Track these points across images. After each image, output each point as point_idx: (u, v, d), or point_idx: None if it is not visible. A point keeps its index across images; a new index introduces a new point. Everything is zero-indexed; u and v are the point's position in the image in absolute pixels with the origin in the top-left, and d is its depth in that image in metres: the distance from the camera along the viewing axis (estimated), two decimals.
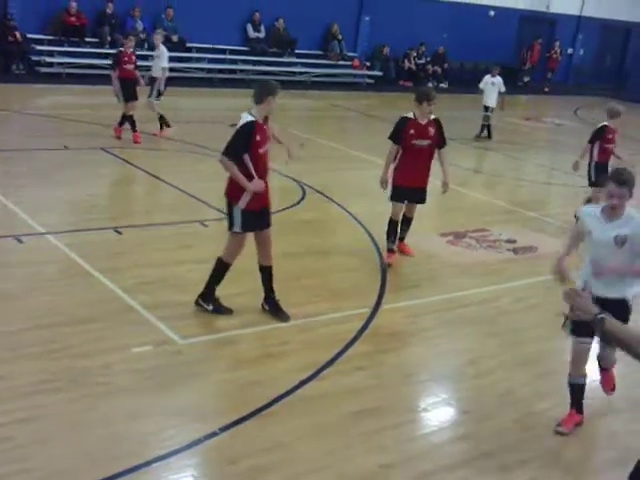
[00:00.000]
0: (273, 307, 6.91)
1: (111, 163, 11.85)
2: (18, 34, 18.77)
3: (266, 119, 6.63)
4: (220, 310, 6.77)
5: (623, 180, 5.03)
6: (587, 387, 5.94)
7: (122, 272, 7.37)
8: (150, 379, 5.65)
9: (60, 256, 7.74)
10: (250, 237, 6.79)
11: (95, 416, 5.06)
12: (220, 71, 21.91)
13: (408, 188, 8.25)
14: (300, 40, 23.50)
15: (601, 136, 10.45)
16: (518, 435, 5.43)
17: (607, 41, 32.31)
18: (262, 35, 23.07)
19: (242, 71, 22.45)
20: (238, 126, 6.45)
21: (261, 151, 6.51)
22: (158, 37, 14.24)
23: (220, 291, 7.10)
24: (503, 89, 16.75)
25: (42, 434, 4.79)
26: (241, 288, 7.33)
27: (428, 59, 26.38)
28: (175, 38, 21.14)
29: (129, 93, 13.05)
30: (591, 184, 10.64)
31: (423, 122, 8.13)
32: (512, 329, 7.29)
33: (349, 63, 24.84)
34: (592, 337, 5.28)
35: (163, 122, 13.76)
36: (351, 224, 9.83)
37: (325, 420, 5.33)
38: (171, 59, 20.78)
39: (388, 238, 8.45)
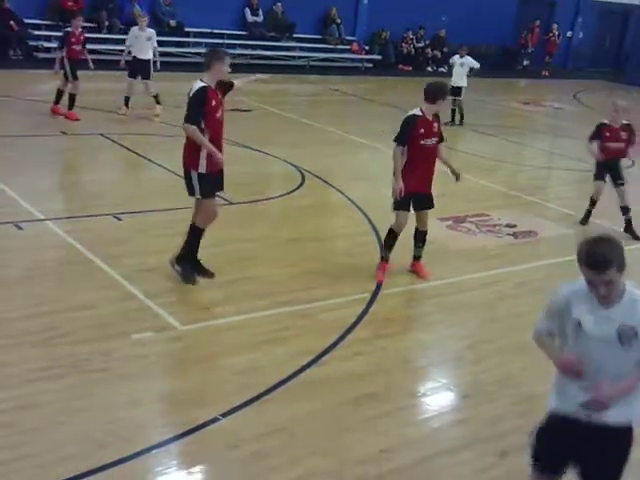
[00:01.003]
0: (198, 267, 7.09)
1: (110, 149, 11.82)
2: (13, 22, 18.68)
3: (220, 85, 6.85)
4: (187, 277, 6.97)
5: (602, 263, 3.39)
6: None
7: (122, 259, 7.37)
8: (150, 365, 5.67)
9: (60, 242, 7.74)
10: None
11: (95, 402, 5.08)
12: None
13: (416, 194, 7.41)
14: (298, 24, 23.39)
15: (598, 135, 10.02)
16: (518, 419, 5.45)
17: (606, 24, 32.16)
18: (260, 19, 22.95)
19: (240, 55, 22.31)
20: (190, 94, 6.68)
21: (217, 116, 6.74)
22: (145, 19, 14.32)
23: (220, 277, 7.12)
24: (477, 65, 16.33)
25: (43, 420, 4.80)
26: (242, 274, 7.34)
27: (427, 42, 26.30)
28: (173, 22, 21.06)
29: (75, 72, 13.19)
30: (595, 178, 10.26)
31: (430, 119, 7.36)
32: (512, 314, 7.30)
33: (348, 47, 24.75)
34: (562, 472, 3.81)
35: (126, 102, 14.02)
36: (350, 209, 9.82)
37: (325, 405, 5.34)
38: (169, 44, 20.88)
39: (386, 247, 7.69)
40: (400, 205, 7.40)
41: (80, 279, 6.91)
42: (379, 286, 7.40)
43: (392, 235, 7.59)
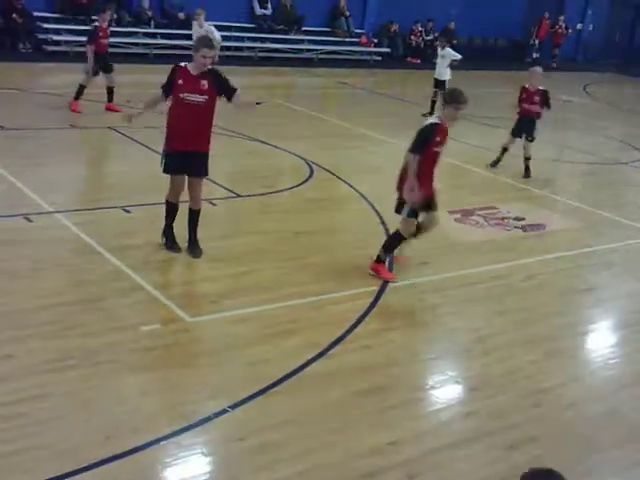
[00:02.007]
0: (192, 245, 7.51)
1: (119, 142, 11.84)
2: (16, 16, 18.69)
3: (208, 72, 7.06)
4: (168, 245, 7.49)
5: None
6: (595, 357, 5.96)
7: (131, 251, 7.39)
8: (159, 357, 5.69)
9: (69, 235, 7.77)
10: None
11: (105, 394, 5.10)
12: (227, 49, 21.80)
13: (428, 198, 7.38)
14: (307, 17, 23.37)
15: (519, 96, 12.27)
16: (526, 412, 5.46)
17: (617, 17, 32.01)
18: (269, 12, 22.94)
19: (249, 48, 22.35)
20: None
21: (181, 96, 7.01)
22: (201, 14, 14.78)
23: (229, 270, 7.15)
24: (458, 57, 16.22)
25: (53, 411, 4.83)
26: (250, 267, 7.36)
27: (436, 35, 26.22)
28: (182, 15, 21.06)
29: (106, 65, 13.30)
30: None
31: (448, 126, 7.28)
32: (521, 307, 7.29)
33: (356, 40, 24.71)
34: None
35: None
36: (358, 202, 9.82)
37: (333, 398, 5.35)
38: (177, 36, 20.90)
39: (390, 251, 7.58)
40: (413, 213, 7.33)
41: (89, 271, 6.93)
42: (387, 279, 7.40)
43: (402, 239, 7.49)
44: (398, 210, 7.43)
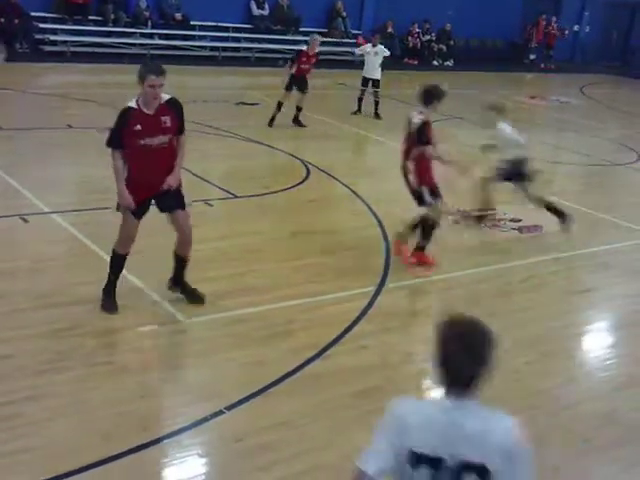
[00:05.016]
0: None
1: None
2: (16, 19, 18.66)
3: (168, 104, 5.92)
4: (106, 305, 6.22)
5: None
6: (592, 358, 5.97)
7: None
8: (156, 358, 5.70)
9: (65, 235, 7.77)
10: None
11: (102, 395, 5.10)
12: (224, 49, 21.82)
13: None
14: (304, 18, 23.36)
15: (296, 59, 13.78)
16: (523, 413, 5.42)
17: (613, 18, 32.01)
18: (266, 13, 22.92)
19: (246, 49, 22.35)
20: None
21: (142, 142, 5.80)
22: None
23: (225, 271, 7.14)
24: (388, 53, 16.16)
25: (50, 412, 4.83)
26: (247, 268, 7.36)
27: (433, 36, 26.24)
28: (179, 16, 21.06)
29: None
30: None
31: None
32: (517, 308, 7.30)
33: (353, 41, 24.68)
34: None
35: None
36: (355, 203, 9.83)
37: (330, 399, 5.36)
38: (174, 37, 20.90)
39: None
40: None
41: (85, 272, 6.92)
42: (384, 280, 7.41)
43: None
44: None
